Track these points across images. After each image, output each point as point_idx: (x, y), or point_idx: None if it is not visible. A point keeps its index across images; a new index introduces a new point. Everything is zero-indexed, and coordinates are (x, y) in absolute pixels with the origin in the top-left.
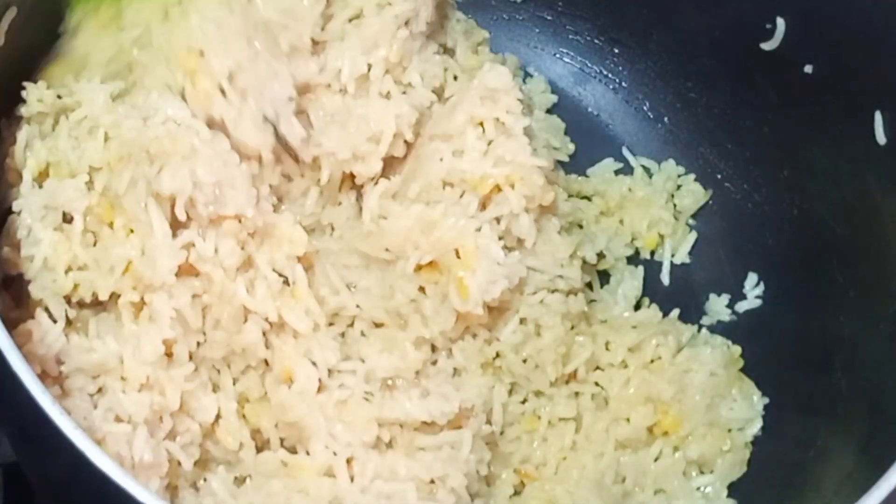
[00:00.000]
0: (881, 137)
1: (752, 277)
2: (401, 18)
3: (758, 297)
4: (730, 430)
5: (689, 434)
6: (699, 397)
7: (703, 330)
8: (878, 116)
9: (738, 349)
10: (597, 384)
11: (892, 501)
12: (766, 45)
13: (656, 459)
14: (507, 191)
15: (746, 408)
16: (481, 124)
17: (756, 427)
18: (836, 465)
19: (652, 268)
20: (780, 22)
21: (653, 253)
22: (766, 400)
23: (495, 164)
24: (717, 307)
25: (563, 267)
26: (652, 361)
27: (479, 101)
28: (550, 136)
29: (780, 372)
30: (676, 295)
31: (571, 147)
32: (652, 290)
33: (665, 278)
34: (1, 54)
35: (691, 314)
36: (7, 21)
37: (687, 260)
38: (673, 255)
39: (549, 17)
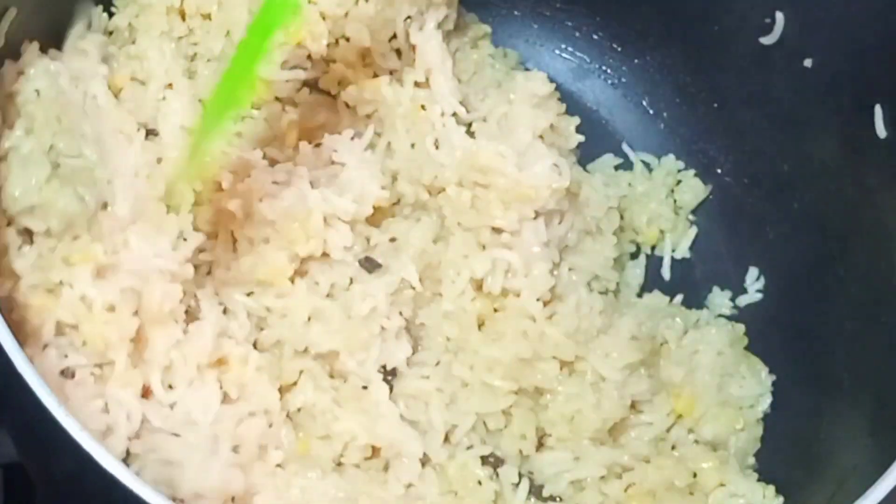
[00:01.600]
0: (881, 131)
1: (752, 272)
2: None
3: (759, 291)
4: (741, 408)
5: (701, 416)
6: (709, 377)
7: (705, 311)
8: (878, 110)
9: (741, 327)
10: None
11: None
12: (766, 40)
13: (674, 447)
14: None
15: (755, 384)
16: (542, 136)
17: (766, 403)
18: (844, 455)
19: (653, 263)
20: (780, 16)
21: (653, 248)
22: (774, 377)
23: None
24: (719, 301)
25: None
26: (660, 345)
27: (533, 112)
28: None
29: (781, 366)
30: (677, 290)
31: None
32: (653, 285)
33: (666, 273)
34: (1, 54)
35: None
36: (7, 21)
37: (688, 255)
38: (674, 251)
39: (547, 13)
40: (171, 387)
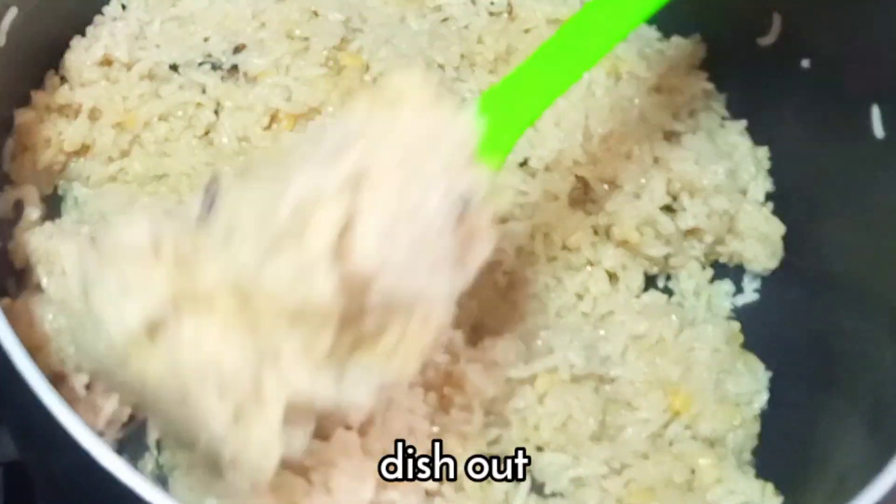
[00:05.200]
0: (879, 131)
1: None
2: None
3: (755, 290)
4: (738, 405)
5: (698, 412)
6: (706, 374)
7: (702, 310)
8: (875, 110)
9: (737, 324)
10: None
11: None
12: (763, 41)
13: (671, 443)
14: None
15: (752, 381)
16: None
17: (763, 399)
18: (843, 453)
19: None
20: (776, 17)
21: None
22: (770, 373)
23: None
24: (716, 302)
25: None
26: (656, 343)
27: None
28: None
29: (778, 366)
30: (675, 289)
31: None
32: (651, 285)
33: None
34: (1, 55)
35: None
36: (7, 21)
37: None
38: None
39: None
40: None
